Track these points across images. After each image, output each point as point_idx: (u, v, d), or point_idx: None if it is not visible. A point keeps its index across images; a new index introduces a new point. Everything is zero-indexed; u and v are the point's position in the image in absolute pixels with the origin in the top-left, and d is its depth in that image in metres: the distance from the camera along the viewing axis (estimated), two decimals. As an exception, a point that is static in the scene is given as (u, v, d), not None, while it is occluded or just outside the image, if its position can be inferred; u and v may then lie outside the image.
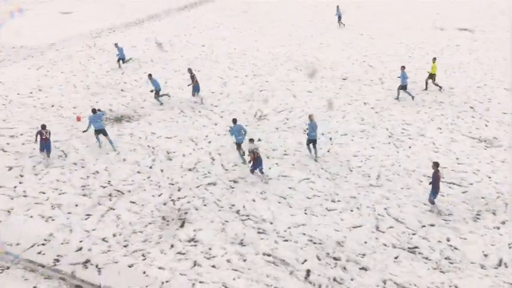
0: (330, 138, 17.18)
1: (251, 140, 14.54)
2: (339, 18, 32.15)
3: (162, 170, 15.54)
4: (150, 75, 20.05)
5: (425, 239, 12.00)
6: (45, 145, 15.49)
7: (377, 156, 15.81)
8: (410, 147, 16.29)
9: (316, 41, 29.28)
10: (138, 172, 15.41)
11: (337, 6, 32.91)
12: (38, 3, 37.69)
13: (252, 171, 14.61)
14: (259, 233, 12.57)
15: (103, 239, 12.35)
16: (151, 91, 20.27)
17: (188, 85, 20.78)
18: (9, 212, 13.16)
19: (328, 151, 16.32)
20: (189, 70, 20.22)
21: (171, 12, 37.56)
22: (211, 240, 12.30)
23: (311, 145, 15.74)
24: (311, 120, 15.43)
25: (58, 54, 26.50)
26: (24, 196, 13.94)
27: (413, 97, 19.73)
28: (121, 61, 23.46)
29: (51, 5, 37.15)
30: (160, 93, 20.22)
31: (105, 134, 16.51)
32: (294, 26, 32.76)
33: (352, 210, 13.25)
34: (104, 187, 14.56)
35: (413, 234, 12.21)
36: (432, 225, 12.47)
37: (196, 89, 20.05)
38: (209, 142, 17.26)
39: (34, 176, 14.89)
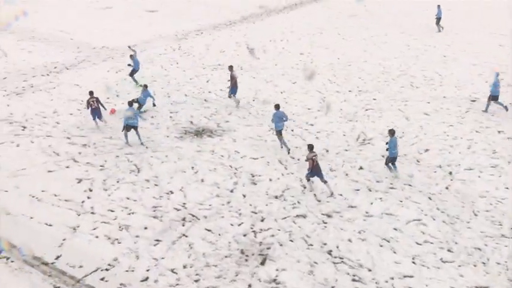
0: (450, 173, 16.48)
1: (310, 147, 15.33)
2: (438, 20, 30.76)
3: (244, 196, 15.78)
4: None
5: None
6: (96, 113, 18.82)
7: (513, 200, 14.79)
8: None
9: (439, 53, 28.21)
10: (217, 196, 15.77)
11: (438, 6, 31.48)
12: (122, 1, 41.01)
13: (308, 178, 15.39)
14: (354, 280, 12.19)
15: (172, 270, 12.68)
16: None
17: (227, 87, 22.12)
18: (74, 229, 14.06)
19: (447, 188, 15.59)
20: (230, 68, 21.48)
21: (267, 13, 38.71)
22: (296, 284, 12.14)
23: (391, 164, 16.31)
24: (391, 135, 15.98)
25: (140, 57, 28.38)
26: (92, 213, 14.84)
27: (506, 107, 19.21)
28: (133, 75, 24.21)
29: (138, 2, 40.18)
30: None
31: (135, 129, 18.23)
32: (412, 34, 31.95)
33: (475, 265, 12.51)
34: (177, 210, 15.07)
35: None
36: None
37: (233, 90, 21.32)
38: (301, 167, 17.38)
39: (103, 192, 15.83)
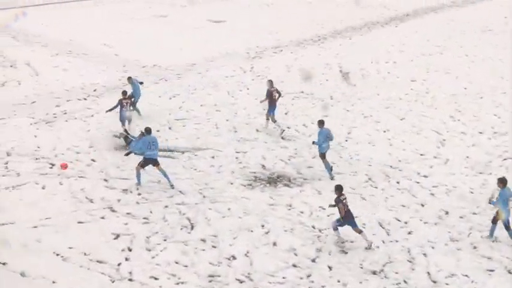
0: None
1: (339, 189, 16.12)
2: None
3: (330, 268, 15.54)
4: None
5: None
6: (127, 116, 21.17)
7: None
8: None
9: None
10: (294, 265, 15.59)
11: None
12: (181, 8, 42.76)
13: (336, 227, 16.22)
14: None
15: None
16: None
17: (261, 101, 23.52)
18: (105, 302, 14.40)
19: None
20: (270, 83, 23.23)
21: (368, 26, 38.87)
22: None
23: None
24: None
25: (200, 80, 29.18)
26: (130, 280, 15.00)
27: None
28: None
29: (199, 11, 41.76)
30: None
31: (157, 164, 18.91)
32: None
33: None
34: (240, 281, 14.97)
35: None
36: None
37: (272, 109, 22.86)
38: (408, 233, 16.98)
39: (146, 252, 16.02)
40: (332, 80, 29.14)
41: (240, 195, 18.88)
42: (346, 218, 16.09)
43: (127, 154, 19.76)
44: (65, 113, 24.49)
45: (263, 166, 20.76)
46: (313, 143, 20.06)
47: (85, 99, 26.04)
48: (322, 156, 19.81)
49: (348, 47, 34.50)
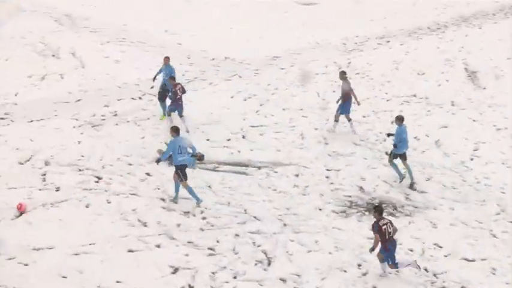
0: None
1: (379, 211, 16.35)
2: None
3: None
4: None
5: None
6: (180, 107, 22.91)
7: None
8: None
9: None
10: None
11: None
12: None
13: (389, 260, 16.40)
14: None
15: None
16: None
17: (337, 101, 23.95)
18: None
19: None
20: (342, 75, 24.06)
21: (504, 12, 37.97)
22: None
23: None
24: None
25: (283, 77, 29.30)
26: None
27: None
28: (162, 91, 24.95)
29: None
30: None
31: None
32: None
33: None
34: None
35: None
36: None
37: (345, 108, 23.70)
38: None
39: (211, 290, 16.36)
40: (454, 80, 28.72)
41: (331, 224, 18.82)
42: (389, 248, 16.26)
43: (157, 162, 19.93)
44: (115, 115, 25.08)
45: (361, 189, 20.66)
46: (388, 135, 21.71)
47: (140, 98, 26.57)
48: (403, 157, 20.72)
49: (476, 38, 33.88)
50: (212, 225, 18.66)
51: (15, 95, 26.20)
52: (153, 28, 34.34)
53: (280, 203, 19.66)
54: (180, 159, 19.04)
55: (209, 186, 20.46)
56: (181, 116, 23.66)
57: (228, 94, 27.31)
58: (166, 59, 24.87)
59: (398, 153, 20.60)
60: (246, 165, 21.88)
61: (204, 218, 18.95)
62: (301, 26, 35.36)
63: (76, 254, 17.12)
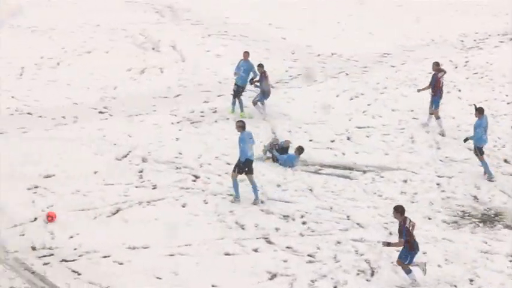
0: None
1: (400, 211, 16.17)
2: None
3: None
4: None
5: None
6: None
7: None
8: None
9: None
10: None
11: None
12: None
13: (407, 265, 16.36)
14: None
15: None
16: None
17: (419, 90, 24.48)
18: None
19: None
20: (436, 67, 24.03)
21: None
22: None
23: None
24: None
25: (393, 75, 29.17)
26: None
27: None
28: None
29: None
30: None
31: (250, 172, 19.49)
32: None
33: None
34: None
35: None
36: None
37: (435, 101, 23.86)
38: None
39: (310, 299, 16.40)
40: None
41: (441, 235, 18.58)
42: (412, 249, 16.29)
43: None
44: (215, 112, 25.44)
45: (475, 198, 20.36)
46: (466, 140, 21.50)
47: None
48: (480, 151, 21.08)
49: None
50: (313, 231, 18.68)
51: (114, 89, 26.96)
52: (256, 21, 34.71)
53: (385, 210, 19.46)
54: (250, 154, 19.56)
55: (310, 190, 20.52)
56: (262, 102, 24.77)
57: (334, 92, 27.35)
58: (246, 54, 25.20)
59: (478, 146, 20.75)
60: (351, 169, 21.85)
61: (304, 223, 18.99)
62: (415, 22, 34.96)
63: (171, 255, 17.41)
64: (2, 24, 32.08)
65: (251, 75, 24.93)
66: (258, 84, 24.75)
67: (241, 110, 24.90)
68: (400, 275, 16.93)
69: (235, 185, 19.76)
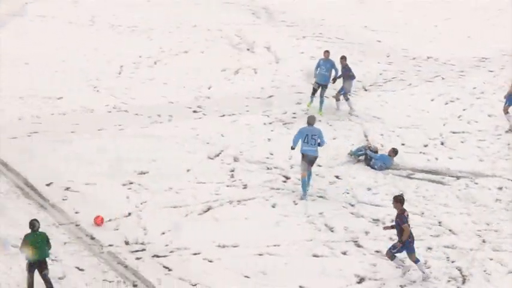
0: None
1: (400, 200, 16.53)
2: None
3: None
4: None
5: None
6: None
7: None
8: None
9: None
10: None
11: None
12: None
13: (394, 255, 16.67)
14: None
15: None
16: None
17: None
18: None
19: None
20: None
21: None
22: None
23: None
24: None
25: (491, 80, 28.65)
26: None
27: None
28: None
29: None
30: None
31: (310, 163, 19.85)
32: None
33: None
34: None
35: None
36: None
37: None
38: None
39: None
40: None
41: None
42: (409, 242, 16.48)
43: (292, 148, 20.41)
44: (307, 113, 25.41)
45: None
46: None
47: (333, 97, 26.79)
48: None
49: None
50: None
51: (209, 88, 27.28)
52: (351, 24, 34.58)
53: (479, 217, 19.21)
54: (305, 149, 19.80)
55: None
56: (347, 99, 25.08)
57: (428, 97, 27.05)
58: (327, 53, 25.37)
59: None
60: (444, 174, 21.57)
61: (394, 227, 18.84)
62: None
63: (260, 255, 17.54)
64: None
65: (333, 73, 25.13)
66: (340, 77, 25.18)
67: (320, 109, 25.09)
68: (492, 284, 16.70)
69: (303, 181, 20.02)
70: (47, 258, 15.31)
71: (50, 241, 15.46)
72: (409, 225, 16.45)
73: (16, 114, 24.31)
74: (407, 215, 16.50)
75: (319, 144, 19.92)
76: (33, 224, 15.19)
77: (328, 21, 35.09)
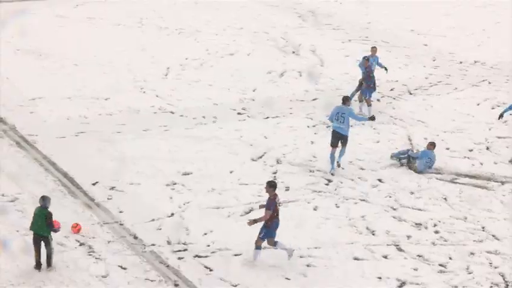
0: None
1: (273, 186, 16.99)
2: None
3: None
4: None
5: None
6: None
7: None
8: None
9: None
10: None
11: None
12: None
13: (260, 243, 17.08)
14: None
15: None
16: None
17: None
18: None
19: None
20: None
21: None
22: None
23: None
24: None
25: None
26: None
27: None
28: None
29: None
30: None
31: (344, 143, 21.11)
32: None
33: None
34: None
35: None
36: None
37: None
38: None
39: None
40: None
41: None
42: (272, 227, 16.87)
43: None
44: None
45: None
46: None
47: (378, 100, 26.70)
48: None
49: None
50: (445, 240, 18.44)
51: (253, 91, 27.35)
52: (398, 27, 34.47)
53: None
54: (334, 125, 21.28)
55: (445, 198, 20.25)
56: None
57: (474, 101, 26.84)
58: (374, 49, 25.95)
59: None
60: (488, 179, 21.40)
61: (436, 232, 18.78)
62: None
63: (301, 257, 17.57)
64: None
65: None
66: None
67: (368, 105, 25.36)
68: (535, 289, 16.54)
69: (331, 157, 21.25)
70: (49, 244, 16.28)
71: (54, 238, 16.53)
72: (276, 211, 16.82)
73: (64, 114, 24.63)
74: (279, 202, 17.00)
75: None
76: (41, 199, 16.28)
77: (374, 24, 34.98)
